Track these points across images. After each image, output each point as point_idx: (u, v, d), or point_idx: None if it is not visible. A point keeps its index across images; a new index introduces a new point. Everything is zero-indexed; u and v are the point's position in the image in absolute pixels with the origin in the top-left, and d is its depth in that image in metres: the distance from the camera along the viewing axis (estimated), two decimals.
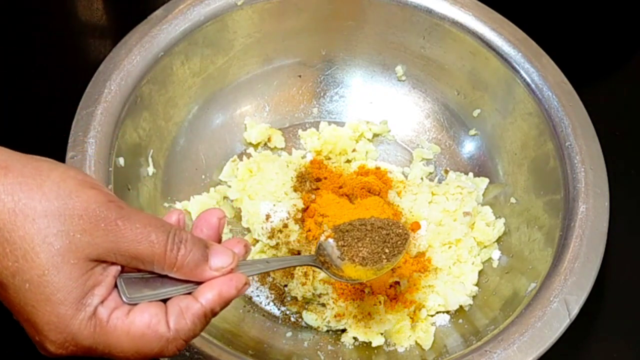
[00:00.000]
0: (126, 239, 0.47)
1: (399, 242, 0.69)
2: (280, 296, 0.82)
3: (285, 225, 0.82)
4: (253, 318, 0.79)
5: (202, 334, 0.64)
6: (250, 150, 0.93)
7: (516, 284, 0.78)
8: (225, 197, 0.88)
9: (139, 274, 0.49)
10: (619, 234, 0.81)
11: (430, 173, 0.94)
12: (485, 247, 0.85)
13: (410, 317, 0.79)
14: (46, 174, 0.46)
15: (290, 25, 0.92)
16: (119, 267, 0.48)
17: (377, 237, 0.69)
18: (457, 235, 0.82)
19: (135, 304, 0.47)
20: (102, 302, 0.46)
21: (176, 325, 0.48)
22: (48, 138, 0.89)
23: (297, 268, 0.80)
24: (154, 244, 0.47)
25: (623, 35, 1.15)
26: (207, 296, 0.49)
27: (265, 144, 0.95)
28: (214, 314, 0.50)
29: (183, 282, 0.50)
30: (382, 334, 0.78)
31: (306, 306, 0.81)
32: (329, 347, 0.78)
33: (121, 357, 0.47)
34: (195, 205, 0.85)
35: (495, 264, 0.84)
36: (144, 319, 0.47)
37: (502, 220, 0.86)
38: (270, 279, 0.83)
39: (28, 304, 0.45)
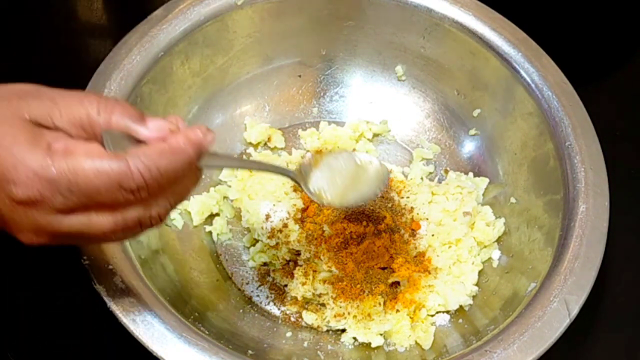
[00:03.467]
0: (60, 104, 0.48)
1: (376, 179, 0.72)
2: (280, 296, 0.82)
3: (285, 225, 0.82)
4: (253, 318, 0.79)
5: (202, 333, 0.64)
6: (250, 150, 0.93)
7: (516, 284, 0.78)
8: (225, 197, 0.88)
9: (123, 134, 0.49)
10: (619, 234, 0.81)
11: (430, 173, 0.94)
12: (485, 247, 0.85)
13: (410, 317, 0.79)
14: None
15: (290, 25, 0.92)
16: (62, 134, 0.48)
17: (353, 174, 0.72)
18: (457, 235, 0.82)
19: None
20: (55, 138, 0.47)
21: (138, 150, 0.48)
22: None
23: (297, 268, 0.80)
24: (85, 105, 0.48)
25: (623, 35, 1.15)
26: (175, 138, 0.50)
27: (265, 144, 0.95)
28: (187, 156, 0.49)
29: None
30: (381, 334, 0.77)
31: (306, 306, 0.81)
32: (329, 347, 0.78)
33: (84, 182, 0.46)
34: (195, 205, 0.85)
35: (495, 264, 0.84)
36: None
37: (502, 220, 0.86)
38: (270, 279, 0.83)
39: None
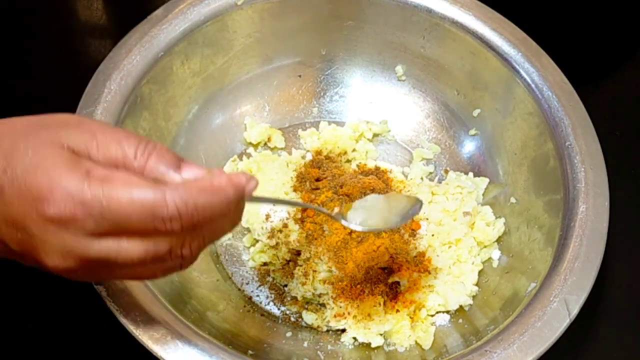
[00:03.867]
0: (98, 139, 0.49)
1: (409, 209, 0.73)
2: (280, 296, 0.82)
3: (285, 225, 0.82)
4: (253, 318, 0.79)
5: (202, 333, 0.65)
6: (250, 150, 0.93)
7: (516, 284, 0.78)
8: None
9: None
10: (619, 234, 0.81)
11: (430, 173, 0.94)
12: (485, 247, 0.85)
13: (410, 317, 0.79)
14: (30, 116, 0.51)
15: (290, 25, 0.92)
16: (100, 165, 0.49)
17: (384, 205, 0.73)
18: (457, 235, 0.82)
19: None
20: (94, 166, 0.47)
21: (180, 183, 0.48)
22: None
23: (297, 268, 0.80)
24: (124, 146, 0.49)
25: (623, 35, 1.15)
26: (218, 178, 0.49)
27: (265, 143, 0.95)
28: (225, 197, 0.49)
29: None
30: (381, 334, 0.77)
31: (306, 306, 0.81)
32: (329, 347, 0.78)
33: (116, 208, 0.46)
34: None
35: (495, 264, 0.84)
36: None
37: (502, 220, 0.86)
38: (270, 279, 0.83)
39: (21, 184, 0.46)
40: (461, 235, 0.83)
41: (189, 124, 0.89)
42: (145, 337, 0.63)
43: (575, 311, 0.68)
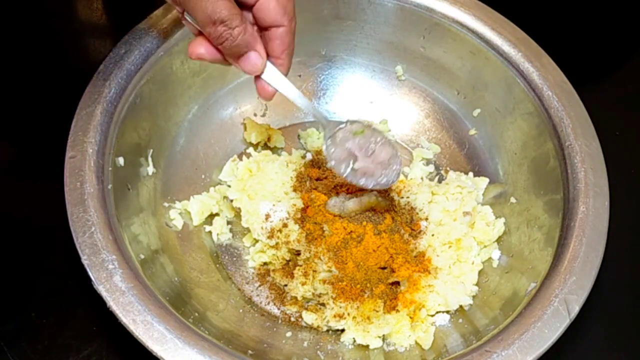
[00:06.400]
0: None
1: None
2: (280, 296, 0.82)
3: (285, 225, 0.82)
4: (253, 318, 0.79)
5: (202, 333, 0.64)
6: (250, 150, 0.93)
7: (516, 284, 0.78)
8: (225, 197, 0.88)
9: None
10: (619, 234, 0.81)
11: (430, 173, 0.94)
12: (485, 247, 0.85)
13: (410, 317, 0.79)
14: None
15: None
16: None
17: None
18: (457, 235, 0.82)
19: None
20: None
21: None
22: (48, 138, 0.89)
23: (297, 268, 0.80)
24: (210, 13, 0.60)
25: (623, 35, 1.15)
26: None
27: (265, 143, 0.94)
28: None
29: None
30: (380, 337, 0.77)
31: (306, 306, 0.81)
32: (329, 347, 0.78)
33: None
34: (195, 205, 0.85)
35: (495, 264, 0.84)
36: None
37: (502, 220, 0.86)
38: (270, 279, 0.83)
39: None
40: (461, 235, 0.83)
41: (189, 124, 0.89)
42: (145, 337, 0.63)
43: (575, 311, 0.68)
